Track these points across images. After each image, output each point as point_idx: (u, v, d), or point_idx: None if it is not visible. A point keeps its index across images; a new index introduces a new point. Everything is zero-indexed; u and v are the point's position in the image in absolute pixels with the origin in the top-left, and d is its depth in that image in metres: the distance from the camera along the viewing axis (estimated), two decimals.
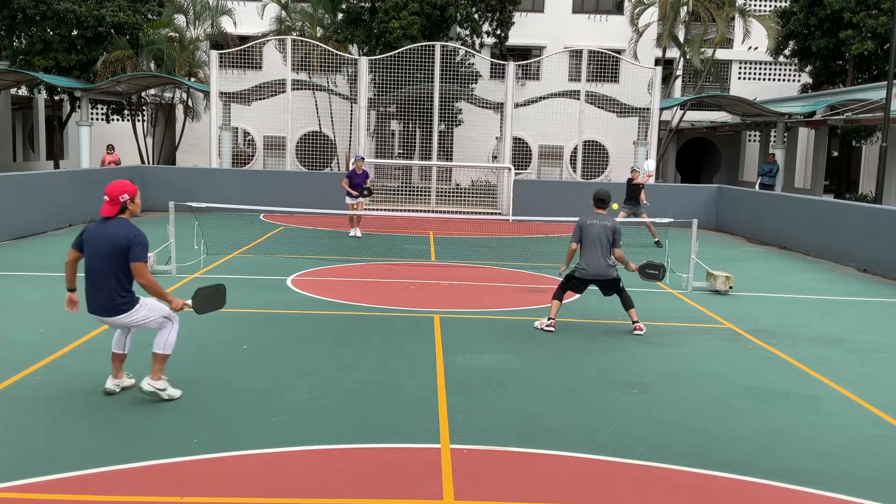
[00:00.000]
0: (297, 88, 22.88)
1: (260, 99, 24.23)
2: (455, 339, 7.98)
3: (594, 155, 24.57)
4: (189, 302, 5.80)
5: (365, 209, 18.97)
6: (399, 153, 26.59)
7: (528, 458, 5.02)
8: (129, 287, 5.53)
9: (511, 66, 22.43)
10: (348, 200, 16.37)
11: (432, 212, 20.62)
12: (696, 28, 29.19)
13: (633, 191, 16.22)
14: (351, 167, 16.61)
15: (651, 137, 22.97)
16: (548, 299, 10.25)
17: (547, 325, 8.50)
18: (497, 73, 25.47)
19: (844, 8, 26.65)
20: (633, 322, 8.47)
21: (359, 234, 16.29)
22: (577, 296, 10.52)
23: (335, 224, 18.33)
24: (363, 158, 16.82)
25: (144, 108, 29.60)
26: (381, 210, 20.06)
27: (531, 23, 32.31)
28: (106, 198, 5.47)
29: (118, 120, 30.32)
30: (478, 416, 5.74)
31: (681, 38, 29.53)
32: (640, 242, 15.67)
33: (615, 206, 17.74)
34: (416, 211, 20.62)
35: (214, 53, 22.13)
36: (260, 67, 26.45)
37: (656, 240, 15.75)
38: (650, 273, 8.86)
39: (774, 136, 28.31)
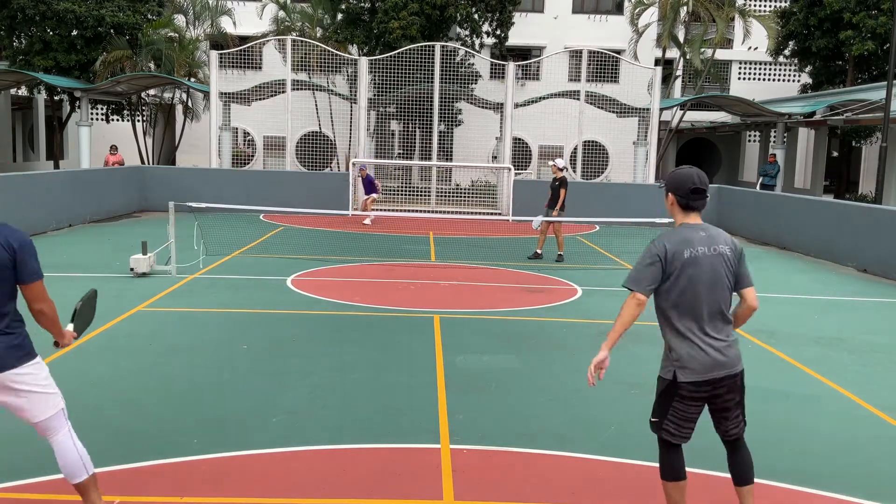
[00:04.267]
0: (297, 88, 22.87)
1: (260, 99, 24.22)
2: (455, 339, 7.97)
3: (594, 155, 24.57)
4: (71, 328, 3.97)
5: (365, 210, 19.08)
6: (399, 153, 26.60)
7: (528, 458, 5.02)
8: (19, 320, 3.67)
9: (511, 67, 22.43)
10: (363, 196, 19.44)
11: (432, 212, 20.62)
12: (696, 28, 29.19)
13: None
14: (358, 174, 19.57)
15: (651, 137, 22.97)
16: (547, 299, 10.29)
17: None
18: (497, 73, 25.46)
19: (844, 8, 26.67)
20: None
21: (369, 220, 18.75)
22: (578, 294, 10.51)
23: (335, 224, 18.35)
24: (364, 167, 19.62)
25: (144, 108, 29.60)
26: (381, 210, 20.06)
27: (531, 23, 32.32)
28: None
29: (118, 120, 30.33)
30: (478, 416, 5.74)
31: (681, 38, 29.53)
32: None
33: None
34: (416, 211, 20.62)
35: (214, 53, 22.13)
36: (260, 67, 26.44)
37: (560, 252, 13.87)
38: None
39: (774, 137, 28.31)
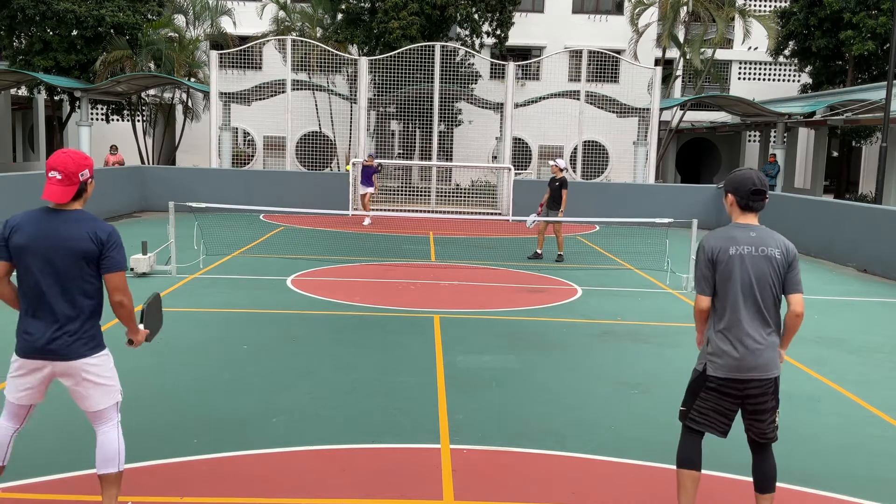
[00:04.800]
0: (297, 88, 22.88)
1: (260, 99, 24.23)
2: (455, 339, 7.97)
3: (594, 155, 24.58)
4: (142, 328, 4.09)
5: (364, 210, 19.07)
6: (399, 153, 26.60)
7: (528, 458, 5.02)
8: (97, 313, 3.83)
9: (511, 67, 22.43)
10: (360, 189, 18.93)
11: (432, 212, 20.62)
12: (696, 28, 29.20)
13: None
14: (364, 162, 19.16)
15: (651, 137, 22.97)
16: (548, 299, 10.29)
17: None
18: (497, 73, 25.47)
19: (844, 8, 26.68)
20: None
21: (368, 221, 18.61)
22: (578, 294, 10.52)
23: (335, 224, 18.35)
24: (372, 155, 19.58)
25: (144, 108, 29.60)
26: (381, 210, 20.06)
27: (531, 23, 32.32)
28: (55, 174, 3.57)
29: (118, 120, 30.33)
30: (478, 416, 5.74)
31: (681, 38, 29.54)
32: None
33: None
34: (416, 211, 20.62)
35: (214, 53, 22.14)
36: (260, 67, 26.44)
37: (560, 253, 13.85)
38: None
39: (774, 137, 28.32)
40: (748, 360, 3.86)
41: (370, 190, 18.74)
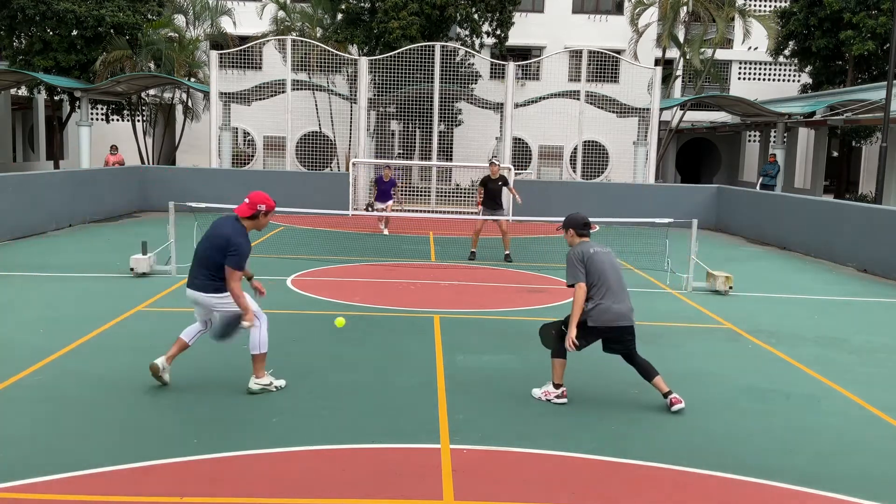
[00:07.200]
0: (297, 88, 22.88)
1: (260, 99, 24.22)
2: (455, 339, 7.97)
3: (594, 155, 24.57)
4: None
5: (366, 209, 19.02)
6: (399, 153, 26.60)
7: (528, 458, 5.02)
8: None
9: (511, 66, 22.42)
10: (378, 205, 17.61)
11: (432, 212, 20.60)
12: (696, 28, 29.21)
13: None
14: (379, 174, 18.11)
15: (651, 137, 22.97)
16: (548, 299, 10.29)
17: (557, 397, 6.16)
18: (497, 73, 25.46)
19: (844, 8, 26.68)
20: (666, 394, 6.04)
21: (386, 232, 17.34)
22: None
23: (335, 224, 18.34)
24: (390, 167, 18.02)
25: (144, 108, 29.60)
26: (380, 210, 20.03)
27: (531, 23, 32.32)
28: (246, 200, 6.29)
29: (118, 120, 30.34)
30: (478, 415, 5.74)
31: (681, 38, 29.54)
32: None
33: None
34: (416, 211, 20.61)
35: (214, 53, 22.13)
36: (260, 67, 26.44)
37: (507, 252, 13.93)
38: None
39: (774, 137, 28.33)
40: (622, 313, 5.94)
41: (389, 203, 17.58)
